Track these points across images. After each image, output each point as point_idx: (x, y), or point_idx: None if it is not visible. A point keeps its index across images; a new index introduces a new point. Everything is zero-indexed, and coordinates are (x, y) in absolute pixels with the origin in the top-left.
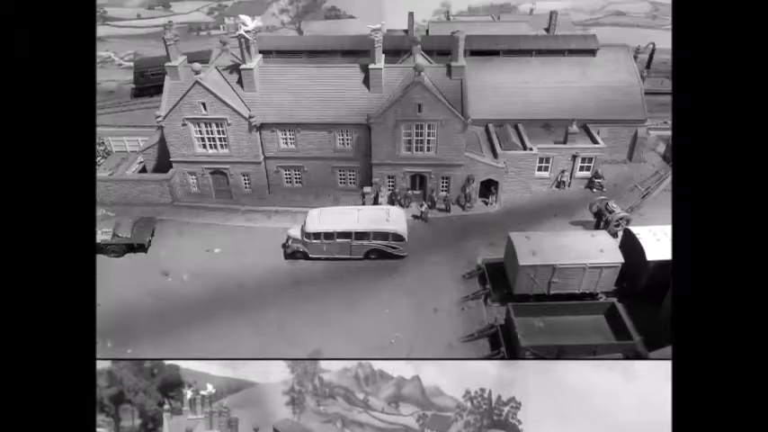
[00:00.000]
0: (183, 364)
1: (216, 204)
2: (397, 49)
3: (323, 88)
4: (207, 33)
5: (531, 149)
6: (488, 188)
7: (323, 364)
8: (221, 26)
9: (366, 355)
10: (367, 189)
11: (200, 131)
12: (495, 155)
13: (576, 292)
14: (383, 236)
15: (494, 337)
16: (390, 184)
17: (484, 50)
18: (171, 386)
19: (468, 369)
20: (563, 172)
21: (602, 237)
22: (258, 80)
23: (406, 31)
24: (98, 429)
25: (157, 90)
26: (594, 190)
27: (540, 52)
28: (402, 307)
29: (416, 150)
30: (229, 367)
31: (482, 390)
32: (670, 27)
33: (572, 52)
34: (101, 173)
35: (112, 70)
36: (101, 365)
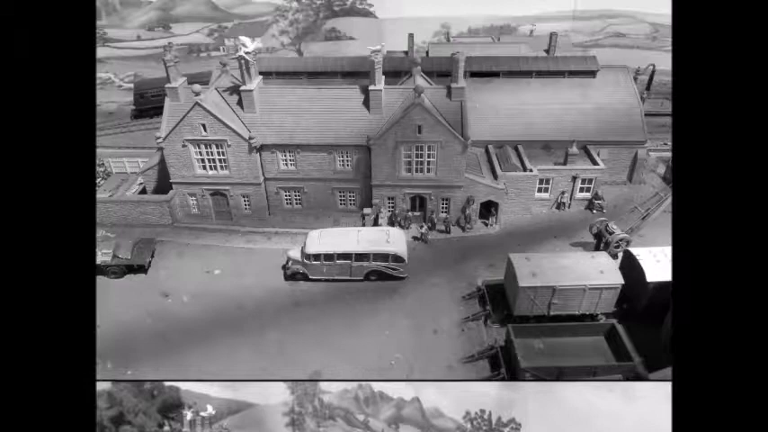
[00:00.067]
0: (183, 386)
1: (216, 225)
2: (397, 71)
3: (323, 109)
4: (207, 55)
5: (531, 171)
6: (488, 209)
7: (323, 385)
8: (221, 47)
9: (366, 377)
10: (367, 210)
11: (200, 153)
12: (495, 176)
13: (576, 313)
14: (383, 257)
15: (494, 359)
16: (390, 205)
17: (484, 72)
18: (171, 407)
19: (469, 390)
20: (563, 193)
21: (603, 258)
22: (258, 101)
23: (406, 53)
24: None
25: (157, 111)
26: (594, 211)
27: (540, 73)
28: (402, 328)
29: (416, 172)
30: (229, 388)
31: (482, 411)
32: (670, 48)
33: (572, 73)
34: (101, 194)
35: (112, 91)
36: (101, 387)
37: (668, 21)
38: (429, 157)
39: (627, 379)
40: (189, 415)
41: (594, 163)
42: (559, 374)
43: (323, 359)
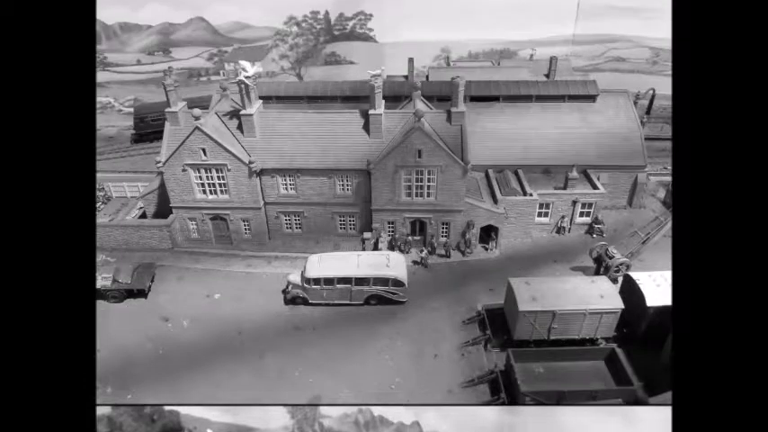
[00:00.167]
0: (183, 410)
1: (216, 250)
2: (397, 95)
3: (323, 134)
4: (207, 79)
5: (531, 195)
6: (488, 234)
7: (323, 409)
8: (221, 72)
9: (366, 401)
10: (367, 235)
11: (200, 177)
12: (495, 200)
13: (576, 337)
14: (383, 281)
15: (494, 383)
16: (390, 229)
17: (484, 96)
18: None
19: (469, 415)
20: (563, 218)
21: (603, 282)
22: (258, 126)
23: (406, 77)
24: None
25: (157, 136)
26: (594, 235)
27: (540, 98)
28: (402, 352)
29: (416, 196)
30: (229, 413)
31: None
32: (670, 73)
33: (572, 98)
34: (101, 218)
35: (112, 116)
36: (101, 411)
37: (668, 45)
38: (429, 181)
39: (627, 403)
40: None
41: (594, 187)
42: (559, 399)
43: (323, 383)
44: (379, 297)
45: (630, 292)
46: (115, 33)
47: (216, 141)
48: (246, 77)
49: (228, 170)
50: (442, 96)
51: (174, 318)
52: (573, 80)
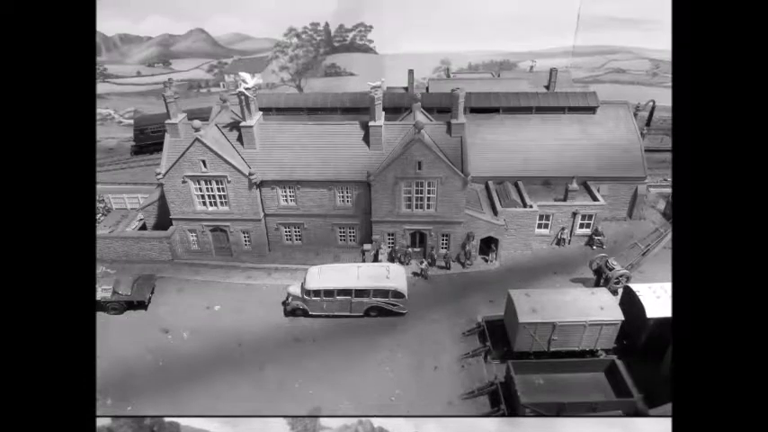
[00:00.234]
0: (183, 422)
1: (216, 261)
2: (397, 107)
3: (323, 145)
4: (207, 91)
5: (531, 207)
6: (488, 245)
7: (323, 421)
8: (221, 83)
9: (366, 413)
10: (367, 246)
11: (200, 189)
12: (495, 212)
13: (576, 349)
14: (383, 293)
15: (494, 395)
16: (390, 241)
17: (484, 108)
18: None
19: (469, 426)
20: (563, 229)
21: (602, 294)
22: (258, 137)
23: (406, 89)
24: None
25: (157, 147)
26: (594, 247)
27: (540, 109)
28: (402, 364)
29: (416, 208)
30: (229, 425)
31: None
32: (670, 84)
33: (572, 109)
34: (101, 230)
35: (112, 127)
36: (100, 423)
37: (668, 57)
38: (429, 193)
39: (627, 415)
40: None
41: (594, 199)
42: (559, 410)
43: (323, 395)
44: (380, 309)
45: (630, 303)
46: (115, 45)
47: (216, 153)
48: (246, 89)
49: (228, 182)
50: (441, 108)
51: (174, 329)
52: (573, 92)
